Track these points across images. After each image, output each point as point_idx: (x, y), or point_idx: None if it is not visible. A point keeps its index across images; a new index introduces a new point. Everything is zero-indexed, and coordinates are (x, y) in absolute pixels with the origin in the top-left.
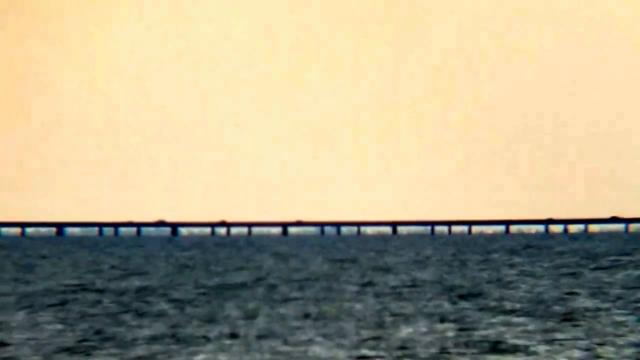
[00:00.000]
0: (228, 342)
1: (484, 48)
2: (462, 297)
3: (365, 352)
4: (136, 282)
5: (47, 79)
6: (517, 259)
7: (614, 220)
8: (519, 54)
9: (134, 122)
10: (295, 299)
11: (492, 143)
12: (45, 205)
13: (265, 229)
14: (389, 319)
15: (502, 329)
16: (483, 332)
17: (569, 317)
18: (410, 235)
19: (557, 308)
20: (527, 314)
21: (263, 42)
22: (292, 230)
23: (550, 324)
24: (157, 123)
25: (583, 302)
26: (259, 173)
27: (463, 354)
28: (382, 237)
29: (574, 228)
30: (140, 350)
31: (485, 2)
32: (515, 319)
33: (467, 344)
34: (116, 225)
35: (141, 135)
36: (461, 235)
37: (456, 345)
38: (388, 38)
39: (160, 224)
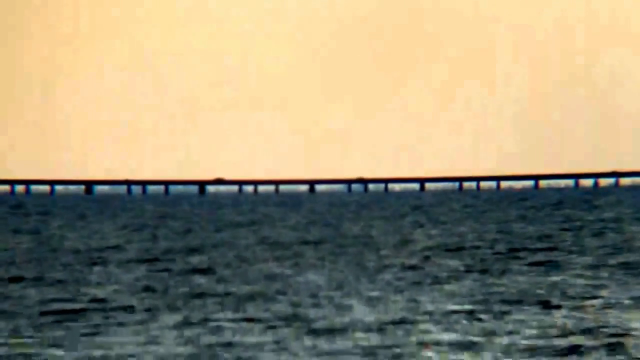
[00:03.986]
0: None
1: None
2: (504, 253)
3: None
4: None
5: (77, 47)
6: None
7: None
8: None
9: (159, 84)
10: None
11: (518, 101)
12: (74, 163)
13: (292, 187)
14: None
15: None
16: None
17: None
18: (438, 191)
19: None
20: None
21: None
22: (318, 187)
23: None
24: (182, 85)
25: None
26: (289, 131)
27: (505, 310)
28: (410, 194)
29: (604, 182)
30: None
31: None
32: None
33: (508, 301)
34: (144, 183)
35: (164, 95)
36: (490, 190)
37: (502, 301)
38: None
39: (218, 182)
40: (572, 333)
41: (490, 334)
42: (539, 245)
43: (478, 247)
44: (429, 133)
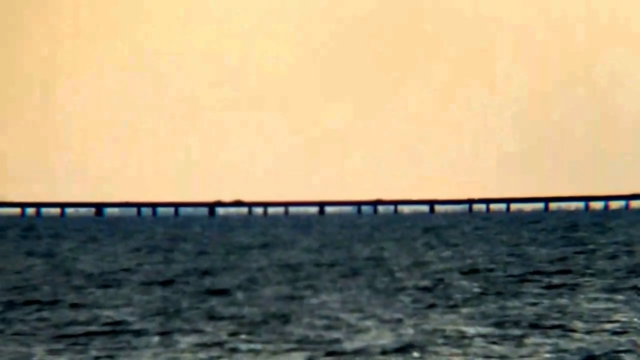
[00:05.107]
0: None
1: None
2: (518, 276)
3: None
4: (203, 263)
5: (82, 68)
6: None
7: None
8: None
9: (169, 107)
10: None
11: (526, 123)
12: (84, 186)
13: (302, 209)
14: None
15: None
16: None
17: None
18: (448, 213)
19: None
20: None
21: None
22: (329, 209)
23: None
24: (191, 107)
25: None
26: (289, 131)
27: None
28: (419, 216)
29: (614, 204)
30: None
31: None
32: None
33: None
34: (154, 205)
35: (173, 117)
36: (499, 212)
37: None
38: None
39: (237, 203)
40: (588, 357)
41: (506, 357)
42: (552, 268)
43: (492, 270)
44: (429, 133)
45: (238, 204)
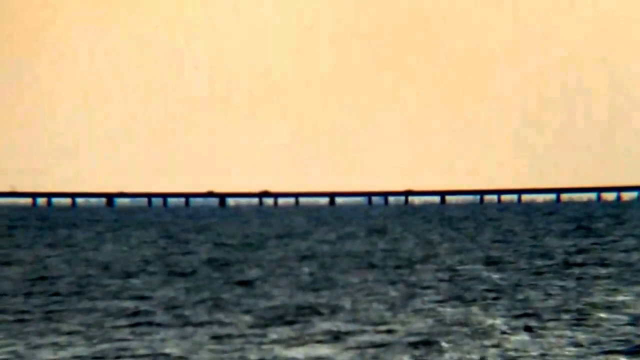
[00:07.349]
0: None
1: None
2: (538, 267)
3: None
4: (215, 253)
5: (96, 59)
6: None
7: None
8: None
9: (180, 96)
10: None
11: (538, 113)
12: (95, 176)
13: (312, 199)
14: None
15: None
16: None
17: None
18: (459, 204)
19: None
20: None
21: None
22: (339, 200)
23: None
24: (201, 97)
25: None
26: (304, 144)
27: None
28: (431, 207)
29: (627, 195)
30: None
31: None
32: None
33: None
34: (165, 195)
35: (186, 108)
36: (511, 203)
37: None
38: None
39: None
40: (609, 350)
41: (526, 349)
42: (570, 259)
43: (510, 262)
44: (436, 126)
45: (265, 194)
